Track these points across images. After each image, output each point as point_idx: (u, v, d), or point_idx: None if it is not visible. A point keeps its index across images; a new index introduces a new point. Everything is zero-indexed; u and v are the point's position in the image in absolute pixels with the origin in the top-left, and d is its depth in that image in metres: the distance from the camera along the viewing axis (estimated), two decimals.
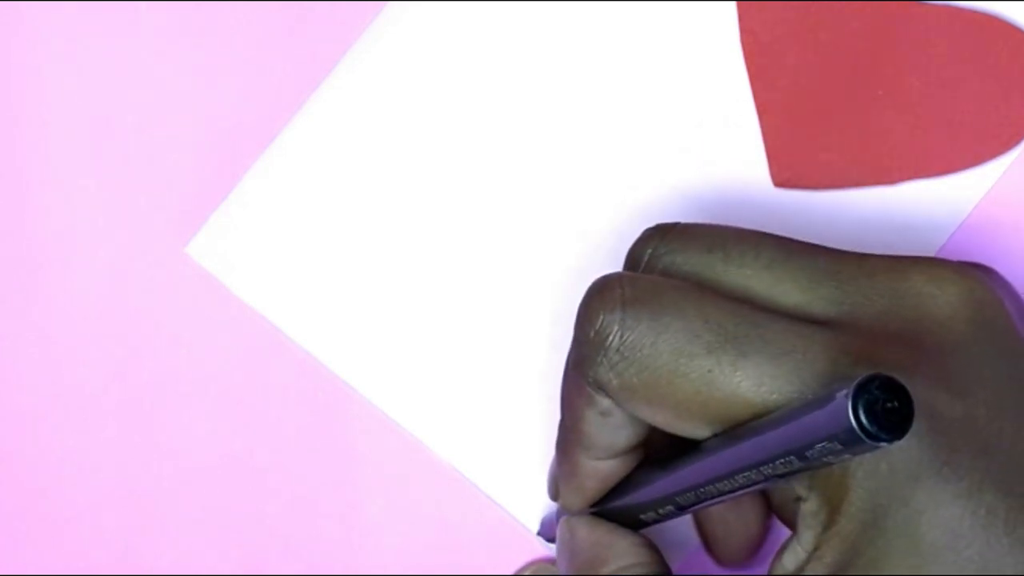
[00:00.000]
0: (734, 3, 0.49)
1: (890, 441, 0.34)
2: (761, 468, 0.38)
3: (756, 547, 0.46)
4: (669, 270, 0.42)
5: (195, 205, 0.50)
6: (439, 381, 0.49)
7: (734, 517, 0.46)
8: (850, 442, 0.35)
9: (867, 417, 0.34)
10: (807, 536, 0.39)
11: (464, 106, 0.50)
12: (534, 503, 0.49)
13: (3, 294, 0.50)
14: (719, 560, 0.47)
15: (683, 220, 0.49)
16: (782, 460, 0.37)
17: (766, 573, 0.41)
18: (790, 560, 0.40)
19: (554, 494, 0.46)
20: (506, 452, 0.49)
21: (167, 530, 0.49)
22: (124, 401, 0.50)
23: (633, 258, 0.43)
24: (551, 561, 0.49)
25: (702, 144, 0.49)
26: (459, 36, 0.50)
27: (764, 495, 0.46)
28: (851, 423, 0.34)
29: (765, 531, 0.46)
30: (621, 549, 0.43)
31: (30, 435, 0.50)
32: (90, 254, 0.50)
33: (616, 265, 0.49)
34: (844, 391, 0.35)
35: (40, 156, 0.50)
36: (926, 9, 0.49)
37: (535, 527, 0.49)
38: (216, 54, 0.50)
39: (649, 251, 0.43)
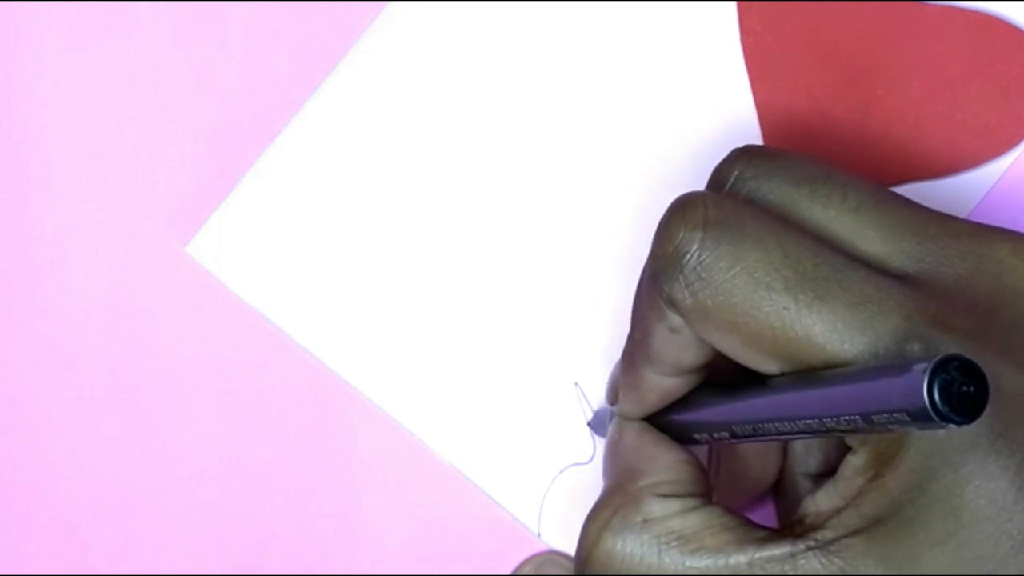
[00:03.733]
0: (734, 3, 0.49)
1: (959, 424, 0.35)
2: (824, 419, 0.38)
3: (757, 496, 0.46)
4: (753, 196, 0.42)
5: (195, 205, 0.50)
6: (440, 381, 0.49)
7: (753, 458, 0.46)
8: (920, 418, 0.35)
9: (941, 397, 0.34)
10: (846, 486, 0.40)
11: (465, 106, 0.50)
12: (534, 503, 0.49)
13: (3, 294, 0.50)
14: (718, 496, 0.47)
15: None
16: (847, 417, 0.37)
17: (796, 514, 0.41)
18: (824, 503, 0.40)
19: (612, 399, 0.46)
20: (506, 452, 0.49)
21: (167, 530, 0.49)
22: (124, 401, 0.50)
23: (718, 178, 0.43)
24: (549, 555, 0.49)
25: (702, 144, 0.49)
26: (459, 36, 0.50)
27: (785, 460, 0.46)
28: (924, 402, 0.35)
29: (770, 485, 0.46)
30: (662, 463, 0.43)
31: (30, 435, 0.50)
32: (90, 254, 0.50)
33: (615, 266, 0.49)
34: (923, 366, 0.35)
35: (40, 156, 0.50)
36: (926, 9, 0.49)
37: (535, 527, 0.49)
38: (216, 54, 0.50)
39: (735, 173, 0.42)
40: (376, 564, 0.49)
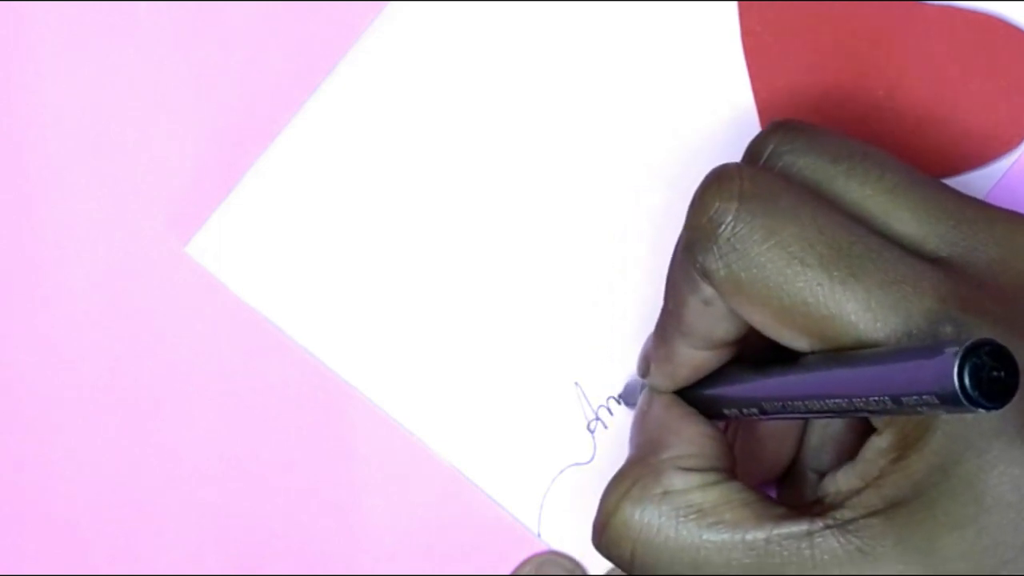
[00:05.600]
0: (735, 3, 0.49)
1: (988, 409, 0.35)
2: (853, 399, 0.38)
3: (770, 478, 0.46)
4: (788, 170, 0.42)
5: (195, 205, 0.50)
6: (440, 381, 0.49)
7: (770, 442, 0.46)
8: (949, 402, 0.35)
9: (971, 382, 0.35)
10: (867, 468, 0.40)
11: (465, 106, 0.50)
12: (534, 503, 0.49)
13: (3, 294, 0.50)
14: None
15: (685, 220, 0.49)
16: (876, 398, 0.37)
17: (815, 493, 0.41)
18: (844, 483, 0.40)
19: (643, 372, 0.46)
20: (506, 452, 0.49)
21: (167, 530, 0.49)
22: (124, 401, 0.50)
23: (753, 151, 0.43)
24: (549, 555, 0.49)
25: (703, 144, 0.49)
26: (459, 36, 0.50)
27: (798, 453, 0.46)
28: (955, 386, 0.35)
29: (780, 474, 0.46)
30: (686, 436, 0.43)
31: (30, 435, 0.50)
32: (90, 254, 0.50)
33: (615, 266, 0.49)
34: (954, 349, 0.35)
35: (40, 156, 0.50)
36: (926, 9, 0.49)
37: (535, 527, 0.49)
38: (216, 54, 0.50)
39: (771, 146, 0.42)
40: (376, 564, 0.49)
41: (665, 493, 0.42)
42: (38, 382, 0.50)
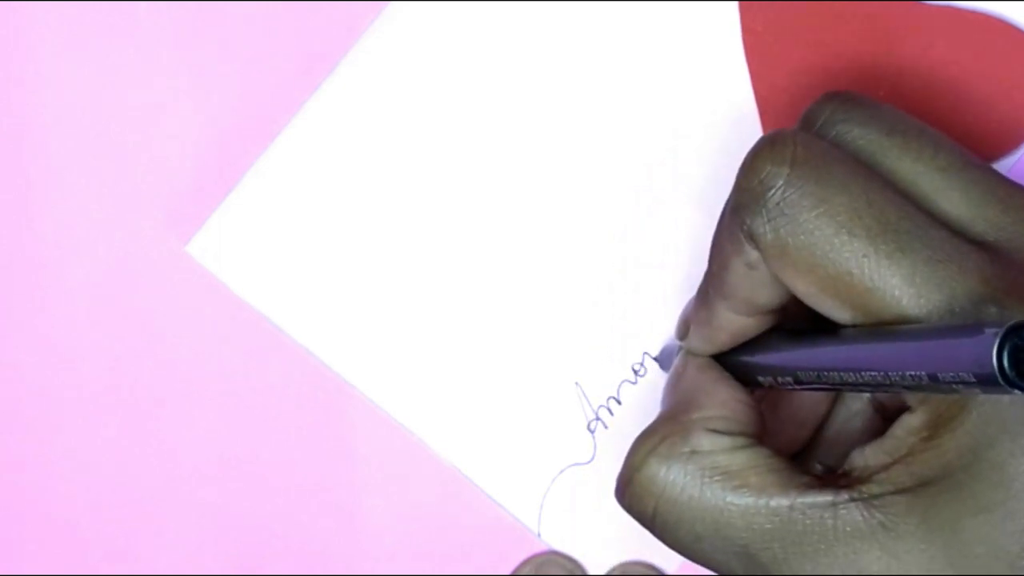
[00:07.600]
0: (736, 3, 0.49)
1: None
2: (890, 373, 0.38)
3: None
4: (842, 138, 0.42)
5: (195, 205, 0.50)
6: (440, 380, 0.49)
7: (790, 424, 0.46)
8: (986, 382, 0.35)
9: (1010, 363, 0.35)
10: (896, 445, 0.40)
11: (466, 106, 0.50)
12: (534, 503, 0.49)
13: (3, 294, 0.50)
14: None
15: (684, 222, 0.49)
16: (913, 374, 0.37)
17: (842, 466, 0.41)
18: (873, 458, 0.40)
19: (681, 334, 0.46)
20: (506, 452, 0.49)
21: (167, 530, 0.49)
22: (124, 401, 0.50)
23: (808, 118, 0.43)
24: (549, 555, 0.49)
25: (703, 143, 0.49)
26: (460, 36, 0.50)
27: (810, 443, 0.46)
28: (993, 365, 0.35)
29: (795, 453, 0.46)
30: (719, 399, 0.43)
31: (30, 435, 0.50)
32: (90, 254, 0.50)
33: (616, 266, 0.49)
34: (995, 329, 0.35)
35: (40, 155, 0.50)
36: (926, 9, 0.49)
37: (535, 527, 0.49)
38: (216, 54, 0.50)
39: (825, 115, 0.42)
40: (376, 564, 0.49)
41: (693, 452, 0.42)
42: (38, 382, 0.50)
